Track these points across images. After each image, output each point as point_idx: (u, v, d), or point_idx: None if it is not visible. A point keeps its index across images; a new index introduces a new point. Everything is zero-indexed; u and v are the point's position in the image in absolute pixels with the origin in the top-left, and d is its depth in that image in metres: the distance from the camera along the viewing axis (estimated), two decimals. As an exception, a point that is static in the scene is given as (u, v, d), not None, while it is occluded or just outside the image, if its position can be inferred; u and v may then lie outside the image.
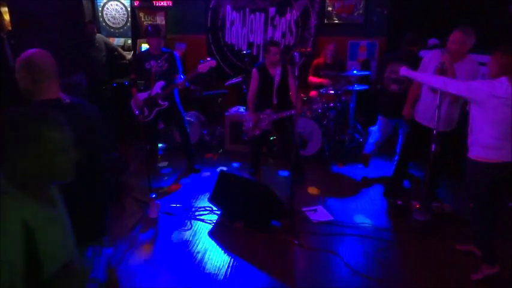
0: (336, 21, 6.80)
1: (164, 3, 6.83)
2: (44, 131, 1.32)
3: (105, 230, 2.22)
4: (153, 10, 6.92)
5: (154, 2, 6.83)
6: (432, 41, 3.90)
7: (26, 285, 1.28)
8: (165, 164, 5.35)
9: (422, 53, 4.43)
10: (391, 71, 4.61)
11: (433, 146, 3.51)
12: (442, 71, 3.49)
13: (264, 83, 4.57)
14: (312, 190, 4.68)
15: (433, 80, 3.38)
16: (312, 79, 5.97)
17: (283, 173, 5.10)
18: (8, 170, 1.33)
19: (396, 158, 5.13)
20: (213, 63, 4.59)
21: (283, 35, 6.90)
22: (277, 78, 4.50)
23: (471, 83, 3.05)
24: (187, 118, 5.45)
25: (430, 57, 3.91)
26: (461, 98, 3.71)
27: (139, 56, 5.04)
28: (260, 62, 4.71)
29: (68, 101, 2.06)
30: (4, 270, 1.22)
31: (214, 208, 4.17)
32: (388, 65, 4.70)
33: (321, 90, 5.50)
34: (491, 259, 3.09)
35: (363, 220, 4.01)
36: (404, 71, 3.63)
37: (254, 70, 4.63)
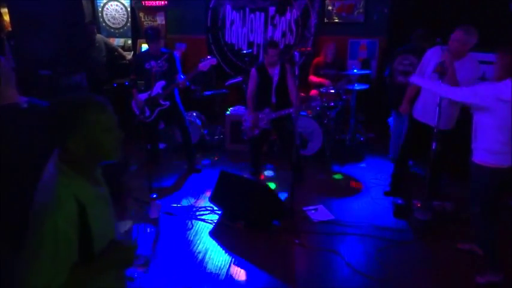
0: (336, 20, 6.80)
1: (160, 3, 6.82)
2: (90, 113, 1.42)
3: None
4: (153, 10, 6.92)
5: (145, 2, 6.83)
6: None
7: (80, 260, 1.40)
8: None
9: None
10: (399, 63, 4.74)
11: (434, 145, 3.50)
12: (442, 69, 3.48)
13: (263, 83, 4.58)
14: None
15: (440, 88, 3.31)
16: (312, 78, 5.97)
17: (284, 173, 5.09)
18: (61, 151, 1.45)
19: (390, 155, 5.15)
20: (214, 61, 4.59)
21: (283, 35, 6.90)
22: (275, 78, 4.51)
23: (476, 88, 2.99)
24: (188, 118, 5.44)
25: (430, 55, 3.91)
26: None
27: (140, 57, 5.03)
28: (259, 62, 4.72)
29: (25, 106, 2.05)
30: (63, 244, 1.33)
31: (215, 208, 4.17)
32: (397, 57, 4.81)
33: (322, 90, 5.49)
34: (495, 265, 3.04)
35: (363, 219, 4.00)
36: (413, 78, 3.61)
37: (253, 70, 4.64)
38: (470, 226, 3.27)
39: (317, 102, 4.94)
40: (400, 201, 4.16)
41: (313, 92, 5.93)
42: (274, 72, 4.53)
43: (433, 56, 3.81)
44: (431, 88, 3.49)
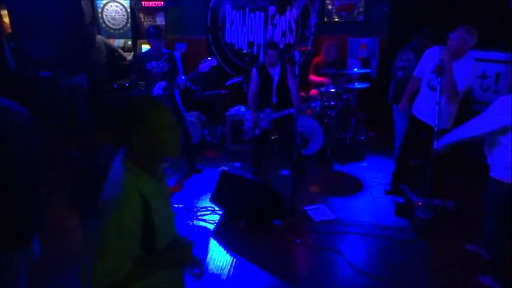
0: (336, 20, 6.79)
1: (160, 3, 6.82)
2: (153, 111, 1.48)
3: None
4: (153, 11, 6.92)
5: (145, 3, 6.82)
6: None
7: (143, 255, 1.47)
8: (165, 164, 5.32)
9: None
10: (399, 59, 4.84)
11: (435, 143, 3.49)
12: (440, 67, 3.48)
13: (264, 83, 4.59)
14: (314, 189, 4.66)
15: (467, 130, 3.09)
16: (313, 78, 5.96)
17: (285, 172, 5.08)
18: (128, 148, 1.52)
19: (395, 153, 5.13)
20: (214, 62, 4.60)
21: (284, 34, 6.90)
22: (276, 78, 4.52)
23: (495, 110, 2.81)
24: (188, 118, 5.44)
25: (428, 55, 3.92)
26: (459, 96, 3.71)
27: (140, 57, 5.03)
28: (260, 62, 4.73)
29: None
30: (127, 238, 1.40)
31: (216, 208, 4.17)
32: (398, 54, 4.89)
33: (322, 89, 5.48)
34: (503, 278, 2.94)
35: (365, 218, 4.00)
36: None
37: (254, 70, 4.65)
38: (472, 225, 3.25)
39: (317, 103, 4.94)
40: (401, 200, 4.16)
41: (313, 91, 5.92)
42: (275, 72, 4.53)
43: (431, 56, 3.81)
44: (461, 135, 3.20)
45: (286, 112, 4.50)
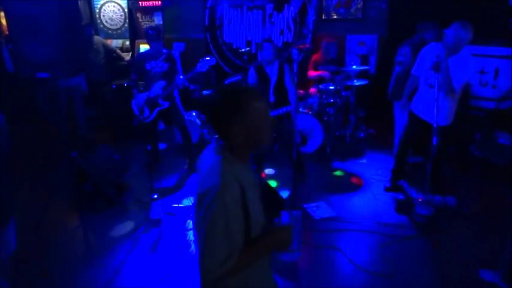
0: (334, 17, 6.78)
1: (157, 3, 6.81)
2: (251, 101, 1.50)
3: None
4: (151, 10, 6.91)
5: (142, 2, 6.81)
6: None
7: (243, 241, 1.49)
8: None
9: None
10: (398, 53, 4.84)
11: (435, 140, 3.49)
12: (436, 64, 3.49)
13: (261, 82, 4.58)
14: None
15: None
16: (311, 73, 5.94)
17: (284, 171, 5.08)
18: (224, 138, 1.55)
19: (395, 150, 5.13)
20: (213, 61, 4.59)
21: (282, 32, 6.89)
22: (273, 77, 4.51)
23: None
24: (188, 118, 5.43)
25: (425, 52, 3.91)
26: (457, 93, 3.71)
27: (140, 57, 5.03)
28: (258, 61, 4.72)
29: None
30: (233, 223, 1.43)
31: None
32: (398, 49, 4.90)
33: (321, 86, 5.48)
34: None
35: (365, 215, 4.00)
36: None
37: (251, 68, 4.65)
38: (472, 221, 3.23)
39: (314, 99, 4.92)
40: (401, 197, 4.16)
41: (312, 90, 5.92)
42: (272, 71, 4.53)
43: (429, 53, 3.81)
44: None
45: (284, 110, 4.49)
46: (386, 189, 4.46)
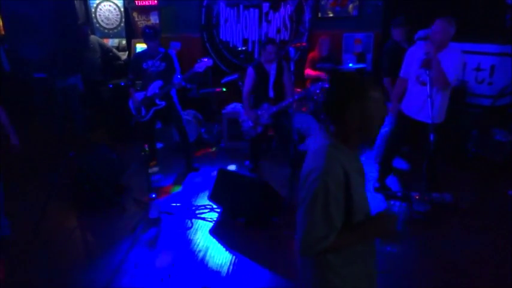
0: (330, 15, 6.78)
1: (153, 2, 6.79)
2: (370, 89, 1.51)
3: None
4: (147, 9, 6.89)
5: (138, 1, 6.79)
6: (422, 33, 3.87)
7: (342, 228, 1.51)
8: (155, 169, 5.20)
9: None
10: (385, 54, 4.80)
11: (432, 136, 3.49)
12: (427, 61, 3.50)
13: (260, 80, 4.60)
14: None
15: None
16: (309, 72, 5.94)
17: (282, 169, 5.08)
18: (337, 123, 1.57)
19: (375, 146, 5.15)
20: (210, 62, 4.60)
21: (278, 31, 6.89)
22: (273, 74, 4.53)
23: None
24: (185, 117, 5.44)
25: (412, 51, 3.90)
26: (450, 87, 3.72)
27: (137, 56, 5.02)
28: (256, 60, 4.73)
29: None
30: (333, 204, 1.46)
31: (215, 206, 4.17)
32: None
33: (318, 84, 5.48)
34: None
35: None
36: None
37: (250, 68, 4.65)
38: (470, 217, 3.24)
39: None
40: (398, 194, 4.21)
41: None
42: (271, 68, 4.55)
43: (416, 53, 3.80)
44: None
45: (286, 102, 4.51)
46: (376, 190, 4.47)
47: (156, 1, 6.78)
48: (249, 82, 4.65)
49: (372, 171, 4.81)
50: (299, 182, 1.58)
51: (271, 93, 4.58)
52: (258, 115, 4.62)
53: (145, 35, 4.61)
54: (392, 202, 4.04)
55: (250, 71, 4.64)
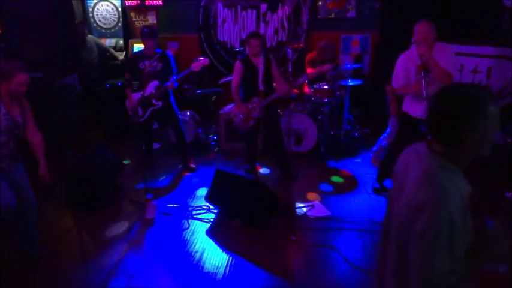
0: (328, 16, 6.79)
1: (155, 2, 6.78)
2: (489, 104, 1.36)
3: None
4: (144, 10, 6.88)
5: (146, 1, 6.78)
6: None
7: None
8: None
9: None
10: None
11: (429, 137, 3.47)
12: (423, 63, 3.47)
13: (249, 74, 4.54)
14: (312, 196, 4.57)
15: None
16: (310, 70, 5.90)
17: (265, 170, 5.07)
18: (450, 145, 1.42)
19: (372, 149, 5.15)
20: (206, 61, 4.58)
21: (276, 31, 6.89)
22: (261, 67, 4.49)
23: None
24: (182, 117, 5.42)
25: (405, 59, 3.82)
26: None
27: (134, 56, 5.00)
28: (243, 54, 4.69)
29: None
30: (458, 237, 1.32)
31: (211, 207, 4.16)
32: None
33: (315, 86, 5.49)
34: None
35: (360, 214, 4.01)
36: None
37: (238, 63, 4.59)
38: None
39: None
40: (387, 193, 4.21)
41: (306, 90, 5.91)
42: (259, 61, 4.50)
43: (409, 60, 3.77)
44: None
45: (275, 95, 4.51)
46: (375, 190, 4.47)
47: (154, 1, 6.77)
48: (237, 76, 4.61)
49: (370, 173, 4.83)
50: (409, 209, 1.42)
51: (260, 86, 4.54)
52: (249, 109, 4.61)
53: (143, 33, 4.61)
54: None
55: (238, 64, 4.59)
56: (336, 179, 4.88)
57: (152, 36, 4.64)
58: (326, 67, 5.63)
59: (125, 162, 5.18)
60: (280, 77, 4.56)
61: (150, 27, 4.68)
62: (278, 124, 4.60)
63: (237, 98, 4.65)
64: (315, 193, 4.50)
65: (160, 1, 6.76)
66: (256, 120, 4.61)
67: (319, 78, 5.70)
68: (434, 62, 3.46)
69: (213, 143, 6.03)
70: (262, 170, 5.13)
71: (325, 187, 4.65)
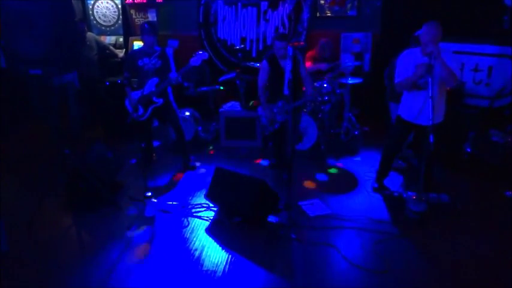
0: (329, 14, 6.78)
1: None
2: None
3: None
4: (145, 7, 6.86)
5: None
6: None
7: None
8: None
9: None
10: (395, 56, 4.74)
11: (431, 137, 3.47)
12: (429, 66, 3.47)
13: (275, 75, 4.43)
14: (309, 184, 4.65)
15: None
16: (310, 65, 5.86)
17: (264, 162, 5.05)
18: None
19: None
20: (205, 55, 4.54)
21: (276, 29, 6.87)
22: (288, 69, 4.25)
23: None
24: (182, 115, 5.41)
25: (406, 57, 3.83)
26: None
27: (133, 54, 4.98)
28: (269, 52, 4.56)
29: None
30: None
31: (211, 205, 4.15)
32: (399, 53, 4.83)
33: (316, 84, 5.48)
34: None
35: (360, 213, 4.00)
36: None
37: (264, 62, 4.48)
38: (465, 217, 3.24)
39: (324, 84, 4.80)
40: (394, 194, 4.21)
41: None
42: (286, 63, 4.30)
43: (410, 58, 3.77)
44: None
45: (301, 102, 4.45)
46: (375, 190, 4.46)
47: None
48: (264, 76, 4.50)
49: (370, 171, 4.82)
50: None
51: (286, 91, 4.31)
52: (273, 113, 4.54)
53: (144, 29, 4.60)
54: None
55: (264, 64, 4.47)
56: (332, 170, 5.04)
57: (152, 32, 4.62)
58: (324, 66, 5.61)
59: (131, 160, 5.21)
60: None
61: (150, 23, 4.67)
62: (295, 129, 4.50)
63: (263, 99, 4.56)
64: (311, 181, 4.69)
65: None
66: (281, 123, 4.56)
67: (317, 74, 5.67)
68: (442, 62, 3.46)
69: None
70: (262, 162, 5.13)
71: (321, 177, 4.81)
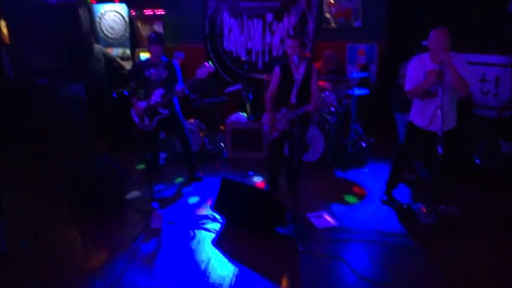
0: (334, 26, 6.80)
1: (162, 12, 6.83)
2: None
3: None
4: (151, 19, 6.93)
5: (145, 10, 6.83)
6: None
7: None
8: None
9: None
10: (402, 67, 4.71)
11: (440, 149, 3.43)
12: (440, 73, 3.44)
13: (285, 82, 4.31)
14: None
15: None
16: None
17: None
18: None
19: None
20: (212, 68, 4.49)
21: (282, 41, 6.90)
22: (299, 78, 4.19)
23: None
24: (188, 127, 5.41)
25: (417, 64, 3.79)
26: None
27: (139, 64, 5.00)
28: (284, 60, 4.47)
29: None
30: None
31: (218, 216, 4.12)
32: (403, 63, 4.82)
33: (322, 95, 5.47)
34: None
35: (368, 225, 3.95)
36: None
37: (277, 68, 4.35)
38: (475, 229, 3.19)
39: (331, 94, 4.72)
40: (404, 206, 4.16)
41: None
42: (299, 72, 4.20)
43: (420, 66, 3.73)
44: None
45: (303, 110, 4.23)
46: (383, 202, 4.41)
47: (160, 11, 6.82)
48: (275, 82, 4.38)
49: (378, 183, 4.78)
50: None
51: (293, 99, 4.26)
52: (276, 119, 4.40)
53: (150, 39, 4.63)
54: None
55: (277, 70, 4.34)
56: (349, 198, 4.64)
57: (159, 42, 4.64)
58: (328, 85, 5.57)
59: (139, 167, 5.18)
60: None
61: (157, 33, 4.70)
62: (301, 141, 4.30)
63: (268, 105, 4.42)
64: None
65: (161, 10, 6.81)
66: (281, 132, 4.40)
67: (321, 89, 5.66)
68: (454, 69, 3.41)
69: (224, 152, 6.00)
70: (255, 178, 5.10)
71: (338, 208, 4.37)
